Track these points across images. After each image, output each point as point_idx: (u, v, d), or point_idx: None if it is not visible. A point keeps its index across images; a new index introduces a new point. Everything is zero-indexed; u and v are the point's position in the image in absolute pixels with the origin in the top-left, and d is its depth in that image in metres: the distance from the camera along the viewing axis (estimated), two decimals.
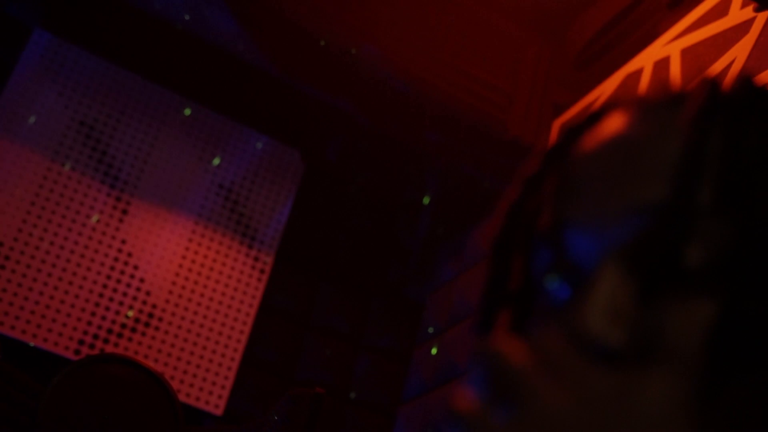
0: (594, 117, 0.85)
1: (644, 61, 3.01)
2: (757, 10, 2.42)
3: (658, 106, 0.82)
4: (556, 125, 3.27)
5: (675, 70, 2.87)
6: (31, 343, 3.05)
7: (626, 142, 0.81)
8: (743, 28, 2.56)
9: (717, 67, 2.72)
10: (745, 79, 0.80)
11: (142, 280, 3.37)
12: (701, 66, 2.76)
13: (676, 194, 0.75)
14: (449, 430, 0.68)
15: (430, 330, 3.58)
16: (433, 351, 3.47)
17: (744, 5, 2.72)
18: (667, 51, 2.92)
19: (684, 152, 0.75)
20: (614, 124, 0.84)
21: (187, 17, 3.12)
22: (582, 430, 0.66)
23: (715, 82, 0.80)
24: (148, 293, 3.38)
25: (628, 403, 0.69)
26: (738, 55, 2.61)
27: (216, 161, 3.58)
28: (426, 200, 3.76)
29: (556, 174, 0.86)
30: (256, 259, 3.57)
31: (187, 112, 3.56)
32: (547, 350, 0.68)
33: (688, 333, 0.75)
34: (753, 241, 0.76)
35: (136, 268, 3.37)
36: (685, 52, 2.84)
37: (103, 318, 3.26)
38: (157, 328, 3.35)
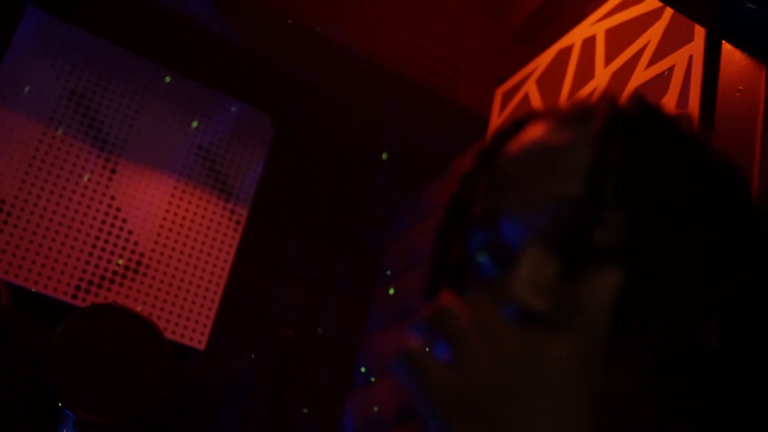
0: (518, 124, 1.00)
1: (574, 38, 3.03)
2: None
3: (572, 118, 0.96)
4: (498, 93, 3.30)
5: (600, 48, 2.90)
6: (33, 289, 3.11)
7: (547, 148, 0.94)
8: (656, 13, 2.63)
9: (634, 48, 2.74)
10: (639, 98, 0.97)
11: (130, 232, 3.38)
12: (622, 45, 2.80)
13: (586, 191, 0.87)
14: (399, 364, 0.77)
15: (388, 273, 3.67)
16: (391, 291, 3.55)
17: None
18: (593, 30, 2.94)
19: (593, 158, 0.88)
20: (536, 132, 0.97)
21: (173, 6, 3.14)
22: (499, 384, 0.75)
23: (615, 101, 0.96)
24: (135, 244, 3.39)
25: (538, 359, 0.77)
26: (652, 38, 2.65)
27: (194, 124, 3.60)
28: (384, 156, 3.80)
29: (488, 172, 0.98)
30: (232, 212, 3.59)
31: (168, 80, 3.56)
32: (477, 313, 0.77)
33: (597, 299, 0.87)
34: (645, 227, 0.89)
35: (124, 221, 3.38)
36: (609, 32, 2.87)
37: (96, 266, 3.28)
38: (144, 275, 3.37)
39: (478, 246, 0.94)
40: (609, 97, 0.96)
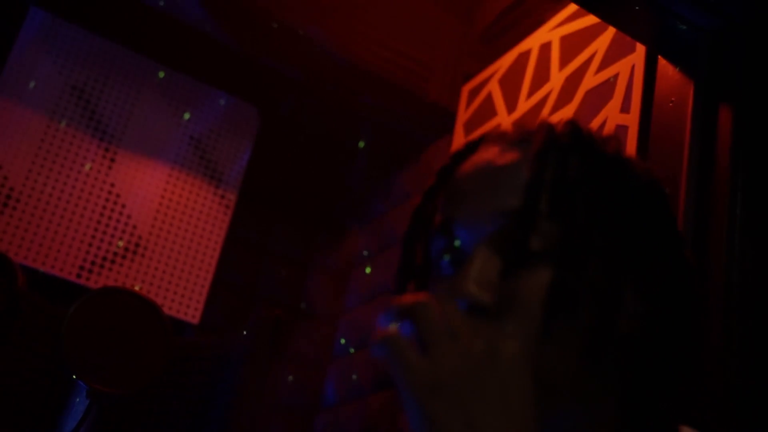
0: (472, 147, 1.09)
1: (533, 43, 3.05)
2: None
3: (516, 142, 1.04)
4: (465, 90, 3.35)
5: (555, 54, 2.93)
6: (41, 269, 3.17)
7: (494, 168, 1.03)
8: (604, 24, 2.57)
9: (585, 55, 2.77)
10: (572, 124, 1.05)
11: (129, 216, 3.41)
12: (574, 52, 2.83)
13: (524, 204, 0.96)
14: (381, 348, 0.84)
15: (365, 253, 3.69)
16: (367, 270, 3.59)
17: None
18: (550, 36, 2.97)
19: (530, 177, 0.97)
20: (486, 153, 1.05)
21: (162, 3, 3.18)
22: (465, 376, 0.83)
23: (552, 128, 1.04)
24: (134, 227, 3.43)
25: (496, 354, 0.84)
26: (600, 46, 2.69)
27: (186, 116, 3.62)
28: (361, 144, 3.84)
29: (446, 187, 1.07)
30: (222, 197, 3.62)
31: (161, 75, 3.59)
32: (444, 311, 0.85)
33: (532, 292, 0.95)
34: (571, 234, 0.97)
35: (123, 206, 3.42)
36: (563, 39, 2.90)
37: (98, 248, 3.33)
38: (143, 255, 3.41)
39: (438, 250, 1.02)
40: (546, 124, 1.05)
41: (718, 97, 2.02)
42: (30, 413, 2.39)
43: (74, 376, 2.26)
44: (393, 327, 0.85)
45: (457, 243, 1.02)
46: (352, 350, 3.41)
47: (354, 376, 3.24)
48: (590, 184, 1.00)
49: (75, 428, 2.25)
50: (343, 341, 3.53)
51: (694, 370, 1.06)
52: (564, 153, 1.01)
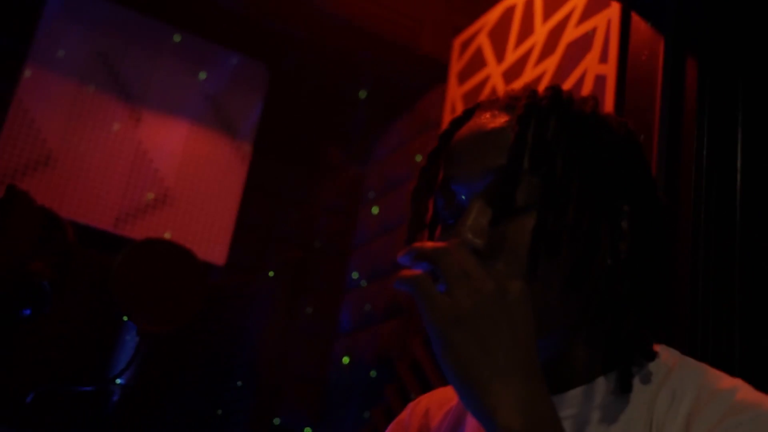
0: (468, 113, 1.13)
1: None
2: None
3: (503, 107, 1.09)
4: (456, 43, 3.34)
5: (538, 8, 2.93)
6: (81, 222, 3.22)
7: (484, 132, 1.07)
8: None
9: (566, 9, 2.76)
10: (553, 89, 1.09)
11: (156, 170, 3.47)
12: (556, 6, 2.82)
13: (510, 162, 1.01)
14: (407, 285, 0.88)
15: (371, 195, 3.70)
16: (374, 210, 3.61)
17: None
18: None
19: (513, 139, 1.02)
20: (478, 119, 1.10)
21: None
22: (480, 311, 0.88)
23: (534, 93, 1.08)
24: (161, 179, 3.48)
25: (504, 293, 0.89)
26: (578, 2, 2.68)
27: (202, 76, 3.64)
28: (362, 94, 3.81)
29: (446, 150, 1.11)
30: (238, 148, 3.66)
31: (177, 38, 3.60)
32: (458, 255, 0.90)
33: (519, 237, 1.01)
34: (551, 186, 1.01)
35: (150, 161, 3.47)
36: None
37: (131, 200, 3.39)
38: (171, 205, 3.47)
39: (441, 204, 1.08)
40: (530, 90, 1.10)
41: (684, 52, 2.08)
42: (87, 353, 2.48)
43: (125, 318, 2.37)
44: (416, 269, 0.90)
45: (455, 198, 1.06)
46: (363, 283, 3.46)
47: (367, 306, 3.31)
48: (567, 142, 1.04)
49: (128, 363, 2.32)
50: (355, 275, 3.57)
51: (665, 296, 1.11)
52: (544, 116, 1.05)
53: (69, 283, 2.37)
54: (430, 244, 0.91)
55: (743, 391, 1.01)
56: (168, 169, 3.54)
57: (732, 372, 1.06)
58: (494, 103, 1.11)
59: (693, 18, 2.10)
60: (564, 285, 1.01)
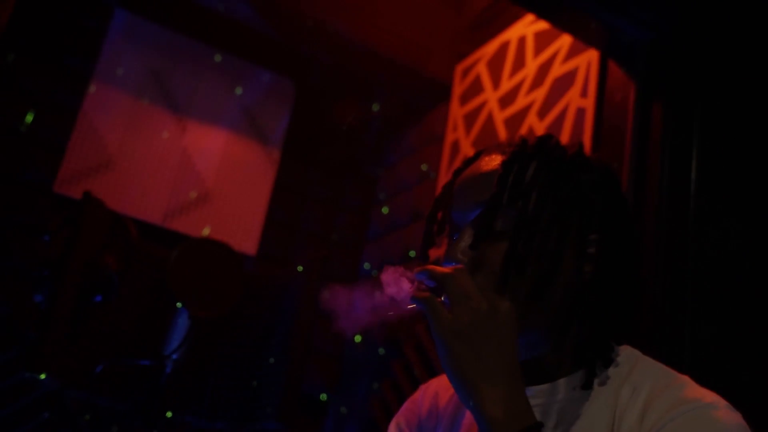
0: (472, 159, 1.15)
1: (512, 35, 3.13)
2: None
3: (497, 153, 1.11)
4: (459, 69, 3.42)
5: (530, 45, 2.99)
6: (135, 217, 3.14)
7: (480, 174, 1.10)
8: None
9: (553, 48, 2.84)
10: (540, 138, 1.11)
11: (198, 173, 3.51)
12: (545, 45, 2.90)
13: (491, 198, 1.05)
14: (420, 303, 0.95)
15: (382, 196, 3.76)
16: (384, 210, 3.67)
17: None
18: (526, 31, 3.04)
19: (497, 179, 1.06)
20: (478, 164, 1.12)
21: (221, 8, 3.30)
22: (476, 326, 0.96)
23: (525, 141, 1.10)
24: (203, 181, 3.52)
25: (496, 311, 0.96)
26: (564, 42, 2.77)
27: (239, 90, 3.68)
28: (375, 107, 3.81)
29: (454, 185, 1.15)
30: (269, 154, 3.69)
31: (218, 58, 3.65)
32: (461, 279, 0.97)
33: (495, 257, 1.04)
34: (523, 218, 1.04)
35: (194, 164, 3.51)
36: (536, 35, 2.97)
37: (177, 198, 3.43)
38: (211, 202, 3.50)
39: (448, 226, 1.14)
40: (522, 138, 1.12)
41: (652, 96, 2.17)
42: (146, 333, 2.52)
43: (179, 305, 2.49)
44: (428, 284, 0.98)
45: (456, 224, 1.11)
46: (374, 272, 3.49)
47: (377, 294, 3.39)
48: (542, 181, 1.06)
49: (181, 343, 2.45)
50: (367, 265, 3.62)
51: (632, 308, 1.13)
52: (527, 160, 1.08)
53: (132, 274, 2.54)
54: (440, 269, 0.98)
55: (689, 386, 1.05)
56: (208, 171, 3.56)
57: (681, 370, 1.11)
58: (493, 149, 1.14)
59: (660, 69, 2.18)
60: (527, 297, 1.03)
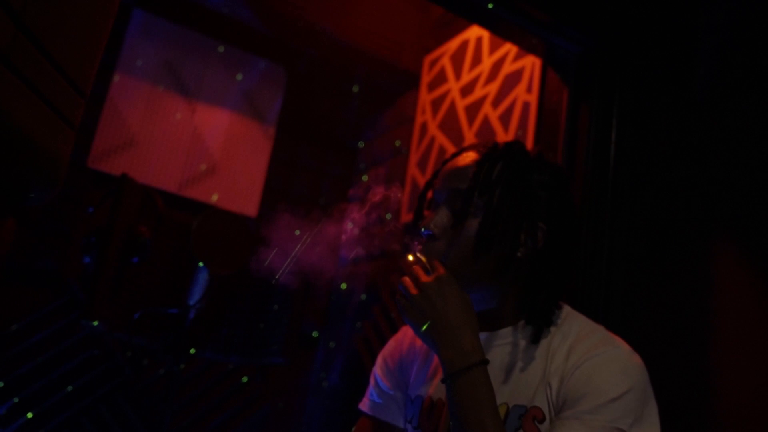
0: (454, 155, 1.22)
1: (471, 35, 3.19)
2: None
3: (473, 151, 1.17)
4: (426, 60, 3.48)
5: (486, 45, 3.07)
6: (155, 186, 3.27)
7: (458, 168, 1.18)
8: None
9: (505, 48, 2.91)
10: (508, 143, 1.18)
11: (207, 148, 3.53)
12: (498, 45, 2.96)
13: (467, 188, 1.14)
14: (397, 299, 1.08)
15: (362, 166, 3.81)
16: (364, 178, 3.74)
17: None
18: (482, 32, 3.08)
19: (471, 175, 1.15)
20: (459, 156, 1.20)
21: (225, 9, 3.35)
22: (433, 306, 1.05)
23: (496, 145, 1.17)
24: (211, 155, 3.54)
25: (446, 294, 1.04)
26: (513, 47, 2.83)
27: (239, 77, 3.67)
28: (355, 88, 3.79)
29: (439, 174, 1.21)
30: (265, 131, 3.70)
31: (221, 49, 3.63)
32: (418, 272, 1.10)
33: (467, 234, 1.13)
34: (491, 202, 1.12)
35: (203, 141, 3.52)
36: (492, 36, 3.01)
37: (190, 170, 3.45)
38: (218, 173, 3.54)
39: (431, 202, 1.23)
40: (493, 143, 1.20)
41: (580, 100, 2.27)
42: (173, 287, 2.60)
43: (200, 264, 2.58)
44: (402, 286, 1.12)
45: (437, 203, 1.20)
46: (356, 230, 3.63)
47: (359, 249, 3.53)
48: (505, 179, 1.16)
49: (202, 296, 2.55)
50: (350, 225, 3.79)
51: (569, 274, 1.22)
52: (494, 161, 1.17)
53: (161, 239, 2.62)
54: (409, 258, 1.13)
55: (604, 335, 1.14)
56: (215, 146, 3.57)
57: (599, 321, 1.20)
58: (471, 147, 1.22)
59: (587, 77, 2.29)
60: (494, 265, 1.15)
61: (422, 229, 1.17)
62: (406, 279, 1.13)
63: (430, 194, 1.26)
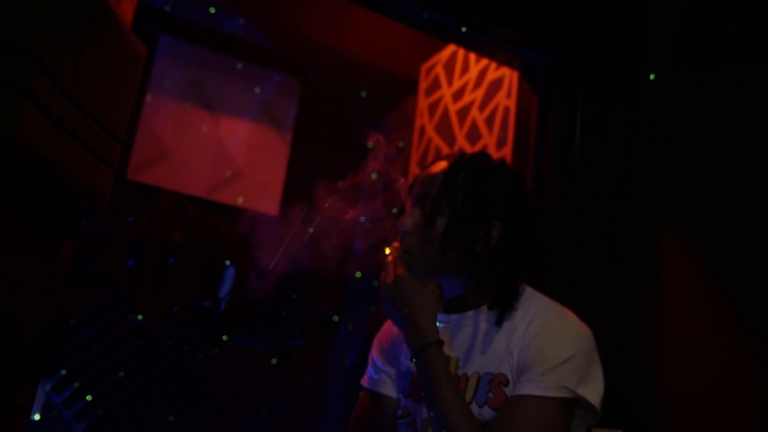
0: (432, 162, 1.28)
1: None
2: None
3: (445, 160, 1.25)
4: (423, 69, 3.56)
5: (473, 56, 3.17)
6: (185, 192, 3.32)
7: (432, 174, 1.25)
8: None
9: (486, 60, 2.96)
10: (475, 154, 1.24)
11: (231, 156, 3.63)
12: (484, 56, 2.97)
13: (436, 193, 1.23)
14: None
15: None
16: (373, 176, 3.44)
17: None
18: None
19: (440, 182, 1.24)
20: (433, 164, 1.28)
21: (240, 33, 3.49)
22: (405, 296, 1.14)
23: (463, 155, 1.24)
24: (235, 161, 3.64)
25: (398, 277, 1.14)
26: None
27: (257, 90, 3.77)
28: (363, 93, 3.91)
29: (417, 179, 1.30)
30: (283, 137, 3.80)
31: (240, 66, 3.73)
32: (396, 267, 1.19)
33: (437, 231, 1.21)
34: (455, 205, 1.21)
35: (227, 150, 3.63)
36: None
37: (217, 176, 3.56)
38: (242, 178, 3.63)
39: (412, 204, 1.29)
40: (461, 153, 1.27)
41: (548, 107, 2.42)
42: (205, 283, 2.77)
43: (227, 262, 2.79)
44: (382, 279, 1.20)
45: (414, 203, 1.23)
46: (368, 224, 3.41)
47: (370, 240, 3.33)
48: (469, 185, 1.23)
49: (230, 289, 2.76)
50: (362, 219, 3.92)
51: (526, 265, 1.29)
52: (460, 168, 1.24)
53: (192, 242, 2.83)
54: (386, 250, 1.24)
55: (560, 311, 1.21)
56: (238, 154, 3.67)
57: (558, 299, 1.25)
58: (444, 157, 1.29)
59: (553, 85, 2.45)
60: (459, 259, 1.23)
61: (397, 225, 1.26)
62: (381, 275, 1.28)
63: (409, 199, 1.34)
